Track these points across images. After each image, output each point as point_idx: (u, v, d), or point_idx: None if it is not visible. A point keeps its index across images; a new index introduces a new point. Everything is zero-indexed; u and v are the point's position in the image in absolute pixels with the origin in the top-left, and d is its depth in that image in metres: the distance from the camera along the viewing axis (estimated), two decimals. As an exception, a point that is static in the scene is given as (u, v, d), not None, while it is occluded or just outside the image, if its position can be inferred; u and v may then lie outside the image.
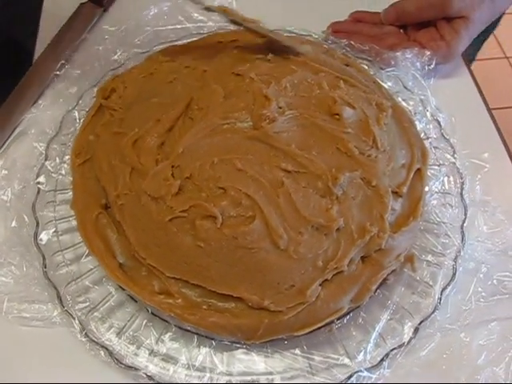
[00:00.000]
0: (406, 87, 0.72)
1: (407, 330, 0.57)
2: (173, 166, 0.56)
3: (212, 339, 0.56)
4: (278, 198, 0.54)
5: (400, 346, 0.56)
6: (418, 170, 0.61)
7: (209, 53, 0.67)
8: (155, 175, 0.56)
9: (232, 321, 0.53)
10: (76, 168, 0.61)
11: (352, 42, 0.75)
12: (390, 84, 0.72)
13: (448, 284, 0.59)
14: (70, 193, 0.64)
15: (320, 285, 0.54)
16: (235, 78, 0.62)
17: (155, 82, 0.65)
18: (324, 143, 0.58)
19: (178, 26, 0.77)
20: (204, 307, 0.53)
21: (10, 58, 0.79)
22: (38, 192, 0.64)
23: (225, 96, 0.60)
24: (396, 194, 0.58)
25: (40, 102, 0.73)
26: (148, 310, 0.57)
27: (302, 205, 0.54)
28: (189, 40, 0.74)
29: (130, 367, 0.54)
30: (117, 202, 0.57)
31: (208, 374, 0.55)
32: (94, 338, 0.56)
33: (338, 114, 0.59)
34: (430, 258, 0.61)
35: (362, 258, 0.56)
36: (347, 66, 0.68)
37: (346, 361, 0.55)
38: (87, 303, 0.58)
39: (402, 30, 0.78)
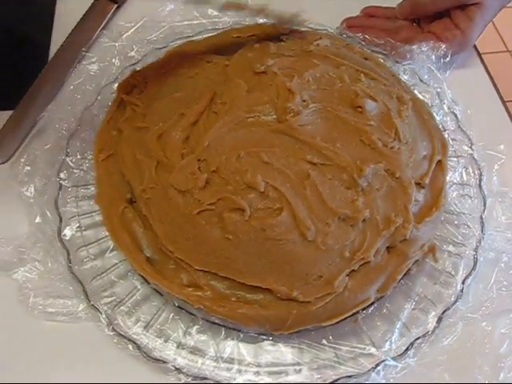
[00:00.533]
0: (421, 80, 0.72)
1: (431, 320, 0.57)
2: (199, 160, 0.56)
3: (239, 331, 0.57)
4: (304, 190, 0.54)
5: (424, 335, 0.56)
6: (439, 161, 0.61)
7: (229, 47, 0.67)
8: (181, 169, 0.56)
9: (261, 312, 0.53)
10: (99, 163, 0.61)
11: (367, 36, 0.75)
12: (406, 77, 0.72)
13: (469, 274, 0.60)
14: (93, 188, 0.64)
15: (347, 275, 0.54)
16: (257, 72, 0.62)
17: (176, 77, 0.65)
18: (348, 136, 0.58)
19: (194, 22, 0.77)
20: (233, 299, 0.54)
21: (26, 55, 0.78)
22: (60, 188, 0.64)
23: (248, 90, 0.61)
24: (419, 185, 0.59)
25: (58, 98, 0.72)
26: (174, 304, 0.57)
27: (329, 196, 0.55)
28: (205, 35, 0.74)
29: (158, 360, 0.55)
30: (143, 196, 0.57)
31: (236, 366, 0.55)
32: (121, 332, 0.56)
33: (360, 107, 0.60)
34: (451, 248, 0.62)
35: (388, 248, 0.56)
36: (366, 59, 0.69)
37: (373, 350, 0.56)
38: (113, 297, 0.58)
39: (415, 24, 0.79)
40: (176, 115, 0.60)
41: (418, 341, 0.57)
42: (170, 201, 0.56)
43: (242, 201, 0.54)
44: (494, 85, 0.77)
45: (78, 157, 0.66)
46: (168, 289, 0.54)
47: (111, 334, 0.56)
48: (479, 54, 0.80)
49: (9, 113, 0.73)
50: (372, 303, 0.57)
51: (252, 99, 0.60)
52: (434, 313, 0.58)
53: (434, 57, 0.73)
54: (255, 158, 0.56)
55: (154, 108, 0.62)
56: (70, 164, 0.66)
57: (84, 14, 0.80)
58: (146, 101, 0.64)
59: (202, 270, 0.54)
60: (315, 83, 0.61)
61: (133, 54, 0.75)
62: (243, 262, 0.53)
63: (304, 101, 0.59)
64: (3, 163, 0.69)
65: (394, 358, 0.55)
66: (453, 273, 0.60)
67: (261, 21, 0.76)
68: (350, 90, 0.61)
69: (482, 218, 0.63)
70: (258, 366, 0.55)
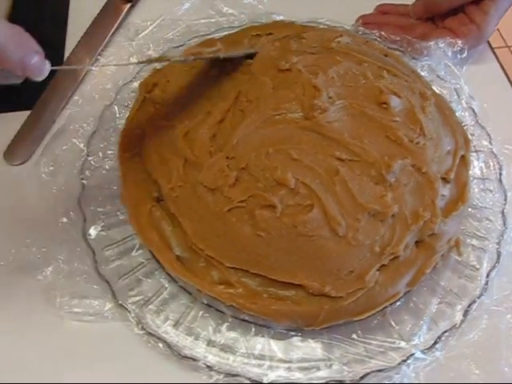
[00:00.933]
0: (439, 76, 0.73)
1: (457, 313, 0.58)
2: (227, 158, 0.57)
3: (268, 328, 0.57)
4: (334, 186, 0.55)
5: (451, 329, 0.57)
6: (462, 156, 0.62)
7: (249, 45, 0.67)
8: (211, 167, 0.56)
9: (293, 308, 0.53)
10: (124, 162, 0.61)
11: (383, 33, 0.76)
12: (423, 73, 0.73)
13: (493, 267, 0.61)
14: (116, 187, 0.64)
15: (377, 270, 0.55)
16: (282, 70, 0.62)
17: (199, 75, 0.65)
18: (374, 132, 0.59)
19: (211, 20, 0.77)
20: (264, 296, 0.54)
21: (40, 54, 0.78)
22: (83, 188, 0.64)
23: (273, 87, 0.61)
24: (444, 180, 0.59)
25: (76, 97, 0.72)
26: (203, 301, 0.58)
27: (358, 192, 0.55)
28: (222, 34, 0.74)
29: (189, 358, 0.55)
30: (171, 194, 0.57)
31: (267, 362, 0.55)
32: (150, 331, 0.56)
33: (385, 103, 0.60)
34: (474, 242, 0.62)
35: (416, 242, 0.57)
36: (386, 56, 0.69)
37: (402, 344, 0.56)
38: (140, 296, 0.58)
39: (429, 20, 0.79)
40: (202, 113, 0.60)
41: (445, 334, 0.57)
42: (199, 199, 0.56)
43: (273, 197, 0.54)
44: (509, 79, 0.78)
45: (100, 156, 0.66)
46: (199, 287, 0.54)
47: (140, 332, 0.56)
48: (492, 49, 0.81)
49: (26, 113, 0.72)
50: (400, 297, 0.57)
51: (278, 97, 0.60)
52: (459, 306, 0.58)
53: (450, 53, 0.73)
54: (284, 154, 0.56)
55: (177, 106, 0.62)
56: (92, 163, 0.65)
57: (98, 14, 0.80)
58: (168, 99, 0.64)
59: (233, 268, 0.54)
60: (340, 80, 0.62)
61: (150, 52, 0.75)
62: (275, 258, 0.53)
63: (330, 98, 0.59)
64: (22, 163, 0.69)
65: (422, 352, 0.56)
66: (477, 266, 0.61)
67: (278, 18, 0.76)
68: (374, 86, 0.62)
69: (503, 212, 0.64)
70: (290, 361, 0.56)
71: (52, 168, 0.65)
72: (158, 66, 0.70)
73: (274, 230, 0.54)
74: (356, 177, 0.56)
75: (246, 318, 0.57)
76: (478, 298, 0.59)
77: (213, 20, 0.78)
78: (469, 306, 0.58)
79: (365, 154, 0.57)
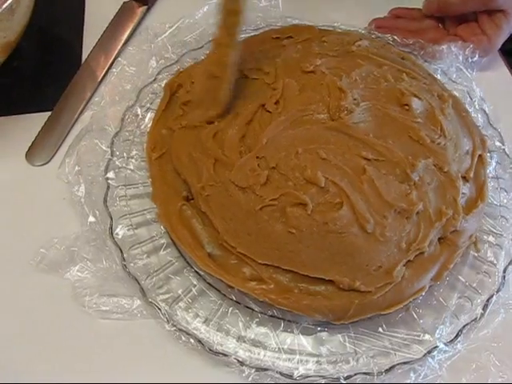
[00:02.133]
0: (451, 79, 0.75)
1: (477, 307, 0.60)
2: (257, 157, 0.58)
3: (297, 323, 0.58)
4: (362, 185, 0.57)
5: (472, 322, 0.59)
6: (479, 156, 0.64)
7: (269, 48, 0.69)
8: (241, 166, 0.58)
9: (324, 303, 0.55)
10: (153, 162, 0.62)
11: (396, 37, 0.78)
12: (436, 76, 0.75)
13: (510, 263, 0.63)
14: (141, 187, 0.65)
15: (404, 265, 0.56)
16: (306, 71, 0.64)
17: (224, 77, 0.66)
18: (397, 132, 0.61)
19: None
20: (296, 291, 0.55)
21: (59, 56, 0.79)
22: (108, 187, 0.64)
23: (299, 89, 0.62)
24: (464, 178, 0.62)
25: (97, 99, 0.73)
26: (232, 298, 0.59)
27: (385, 190, 0.57)
28: (240, 37, 0.75)
29: (220, 354, 0.56)
30: (202, 193, 0.58)
31: (297, 356, 0.57)
32: (181, 327, 0.57)
33: (407, 105, 0.62)
34: (490, 238, 0.64)
35: (439, 239, 0.59)
36: (403, 59, 0.71)
37: (427, 337, 0.58)
38: (170, 294, 0.59)
39: (440, 25, 0.81)
40: (231, 114, 0.61)
41: (467, 327, 0.59)
42: (230, 197, 0.57)
43: (303, 196, 0.55)
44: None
45: (124, 156, 0.67)
46: (232, 283, 0.55)
47: (171, 329, 0.57)
48: (501, 53, 0.83)
49: (46, 114, 0.73)
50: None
51: (305, 98, 0.61)
52: (479, 300, 0.60)
53: (461, 56, 0.75)
54: (313, 154, 0.58)
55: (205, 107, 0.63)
56: (117, 163, 0.66)
57: (114, 16, 0.81)
58: (195, 100, 0.65)
59: (265, 264, 0.56)
60: (362, 82, 0.64)
61: (169, 55, 0.76)
62: (306, 254, 0.55)
63: (355, 99, 0.61)
64: (44, 164, 0.70)
65: (445, 344, 0.57)
66: (494, 262, 0.63)
67: (293, 22, 0.78)
68: (396, 88, 0.64)
69: (517, 209, 0.66)
70: (319, 355, 0.57)
71: (78, 168, 0.65)
72: (179, 67, 0.71)
73: (305, 227, 0.55)
74: (382, 176, 0.58)
75: (275, 313, 0.58)
76: (496, 292, 0.61)
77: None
78: (487, 300, 0.60)
79: (389, 153, 0.59)
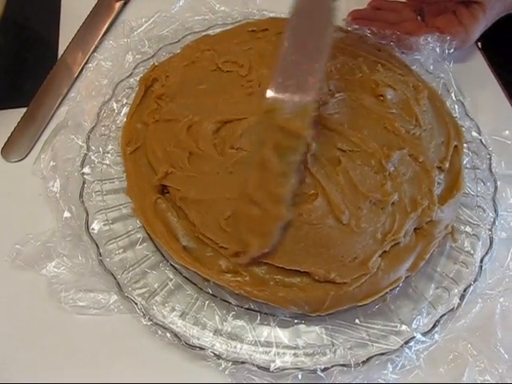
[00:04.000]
0: (427, 70, 0.75)
1: (454, 297, 0.60)
2: (233, 148, 0.58)
3: (273, 316, 0.58)
4: (337, 176, 0.56)
5: (449, 312, 0.59)
6: (455, 146, 0.64)
7: (245, 41, 0.69)
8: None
9: (300, 295, 0.55)
10: (127, 156, 0.62)
11: (373, 29, 0.78)
12: (413, 68, 0.75)
13: (486, 253, 0.63)
14: (117, 182, 0.65)
15: (379, 256, 0.56)
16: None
17: (199, 70, 0.66)
18: (372, 123, 0.61)
19: (206, 17, 0.78)
20: (271, 283, 0.55)
21: (35, 52, 0.78)
22: (84, 183, 0.64)
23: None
24: (439, 169, 0.62)
25: (72, 94, 0.73)
26: (209, 291, 0.58)
27: (360, 181, 0.57)
28: (216, 30, 0.76)
29: (196, 347, 0.56)
30: (176, 186, 0.58)
31: (274, 349, 0.57)
32: (158, 322, 0.57)
33: (381, 96, 0.62)
34: (467, 229, 0.65)
35: (415, 229, 0.59)
36: (379, 50, 0.71)
37: (404, 327, 0.58)
38: (146, 288, 0.59)
39: (419, 18, 0.82)
40: (206, 108, 0.61)
41: (444, 317, 0.59)
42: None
43: (279, 187, 0.55)
44: (494, 73, 0.81)
45: (100, 151, 0.67)
46: (208, 276, 0.55)
47: (148, 324, 0.57)
48: (477, 44, 0.84)
49: (22, 110, 0.72)
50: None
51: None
52: (456, 290, 0.60)
53: (438, 48, 0.76)
54: None
55: (179, 100, 0.63)
56: (93, 158, 0.66)
57: (91, 11, 0.81)
58: (169, 94, 0.65)
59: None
60: (337, 73, 0.64)
61: (145, 49, 0.75)
62: (281, 246, 0.55)
63: (330, 90, 0.61)
64: (20, 160, 0.69)
65: (422, 334, 0.57)
66: (471, 252, 0.63)
67: (270, 15, 0.78)
68: (371, 79, 0.64)
69: (494, 200, 0.66)
70: (295, 348, 0.57)
71: (53, 164, 0.65)
72: (156, 61, 0.70)
73: (279, 219, 0.55)
74: (357, 167, 0.58)
75: (252, 306, 0.58)
76: (474, 282, 0.61)
77: (206, 17, 0.79)
78: (464, 291, 0.60)
79: (364, 144, 0.59)
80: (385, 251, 0.57)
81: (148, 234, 0.60)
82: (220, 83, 0.64)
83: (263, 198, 0.53)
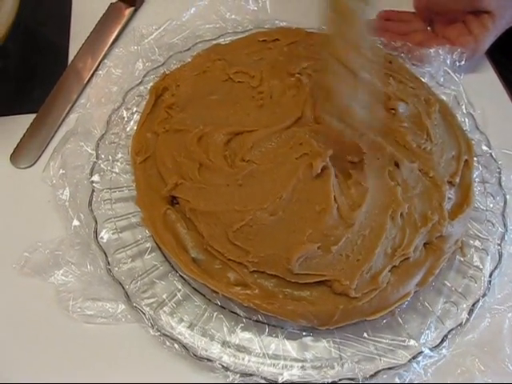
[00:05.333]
0: (438, 83, 0.75)
1: (462, 312, 0.60)
2: (243, 160, 0.58)
3: (282, 328, 0.58)
4: (349, 190, 0.56)
5: (457, 327, 0.59)
6: (466, 160, 0.64)
7: (256, 51, 0.69)
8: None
9: (309, 308, 0.55)
10: (137, 166, 0.62)
11: (383, 40, 0.77)
12: (424, 80, 0.75)
13: (495, 267, 0.63)
14: (126, 191, 0.65)
15: (389, 271, 0.56)
16: (292, 73, 0.64)
17: (210, 80, 0.66)
18: (383, 137, 0.60)
19: (216, 25, 0.78)
20: (280, 296, 0.55)
21: (45, 58, 0.78)
22: (93, 191, 0.64)
23: (285, 92, 0.62)
24: (450, 183, 0.62)
25: (82, 101, 0.73)
26: (217, 303, 0.58)
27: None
28: (227, 39, 0.76)
29: (204, 359, 0.56)
30: (186, 198, 0.58)
31: (282, 362, 0.57)
32: (166, 332, 0.56)
33: (393, 109, 0.62)
34: (477, 243, 0.64)
35: (425, 244, 0.59)
36: (390, 63, 0.71)
37: (412, 342, 0.58)
38: (154, 298, 0.59)
39: (429, 28, 0.81)
40: (216, 119, 0.60)
41: (452, 332, 0.59)
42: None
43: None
44: (505, 86, 0.81)
45: (110, 159, 0.67)
46: (216, 288, 0.55)
47: (156, 334, 0.57)
48: (490, 57, 0.83)
49: (31, 116, 0.72)
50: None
51: (291, 101, 0.61)
52: (464, 305, 0.60)
53: (449, 60, 0.75)
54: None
55: (190, 110, 0.63)
56: (102, 166, 0.66)
57: (101, 18, 0.80)
58: (179, 103, 0.64)
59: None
60: (349, 86, 0.63)
61: (156, 57, 0.75)
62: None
63: (340, 102, 0.61)
64: (29, 167, 0.69)
65: (430, 349, 0.57)
66: (480, 267, 0.63)
67: (281, 24, 0.78)
68: (383, 92, 0.63)
69: (503, 214, 0.66)
70: (303, 361, 0.57)
71: (62, 171, 0.65)
72: (166, 69, 0.70)
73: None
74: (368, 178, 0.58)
75: (260, 318, 0.58)
76: (482, 297, 0.61)
77: (217, 25, 0.79)
78: (473, 305, 0.60)
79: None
80: (394, 266, 0.57)
81: (157, 243, 0.60)
82: (231, 94, 0.64)
83: None
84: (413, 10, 0.83)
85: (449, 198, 0.61)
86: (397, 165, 0.59)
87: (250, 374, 0.55)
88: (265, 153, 0.59)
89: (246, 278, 0.55)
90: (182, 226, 0.58)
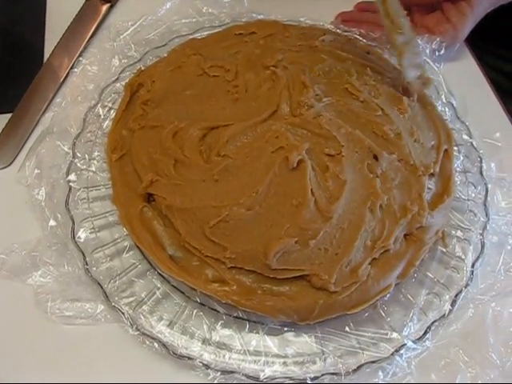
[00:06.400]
0: (418, 73, 0.74)
1: (445, 303, 0.59)
2: (219, 155, 0.57)
3: (263, 324, 0.57)
4: (326, 182, 0.56)
5: (440, 318, 0.58)
6: (445, 150, 0.64)
7: (232, 44, 0.68)
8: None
9: (288, 303, 0.54)
10: (113, 163, 0.61)
11: (362, 31, 0.77)
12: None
13: (478, 257, 0.62)
14: (103, 189, 0.64)
15: (369, 264, 0.56)
16: (267, 65, 0.63)
17: (185, 75, 0.65)
18: (361, 127, 0.60)
19: (193, 20, 0.77)
20: (259, 292, 0.55)
21: (20, 57, 0.77)
22: (70, 190, 0.63)
23: (261, 85, 0.62)
24: (430, 173, 0.61)
25: (58, 99, 0.72)
26: (197, 300, 0.58)
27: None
28: (204, 33, 0.75)
29: (184, 357, 0.55)
30: (163, 195, 0.57)
31: (263, 358, 0.56)
32: (145, 331, 0.56)
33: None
34: (458, 233, 0.64)
35: (405, 235, 0.58)
36: (368, 53, 0.70)
37: (395, 335, 0.57)
38: (133, 297, 0.58)
39: (408, 17, 0.81)
40: (192, 114, 0.60)
41: (435, 324, 0.58)
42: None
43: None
44: (485, 75, 0.80)
45: (86, 158, 0.66)
46: (194, 285, 0.54)
47: (135, 333, 0.56)
48: (469, 46, 0.83)
49: (7, 116, 0.71)
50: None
51: (266, 94, 0.60)
52: (447, 296, 0.60)
53: (428, 50, 0.75)
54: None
55: (165, 106, 0.62)
56: (78, 165, 0.65)
57: (77, 14, 0.80)
58: (155, 99, 0.64)
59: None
60: (325, 77, 0.63)
61: (132, 53, 0.74)
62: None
63: (317, 95, 0.60)
64: (5, 167, 0.68)
65: (413, 341, 0.57)
66: (462, 257, 0.62)
67: (258, 17, 0.77)
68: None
69: (485, 203, 0.65)
70: (285, 356, 0.56)
71: (38, 171, 0.64)
72: (142, 66, 0.70)
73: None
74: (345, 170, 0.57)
75: (240, 315, 0.57)
76: (465, 287, 0.60)
77: (194, 20, 0.78)
78: (456, 296, 0.60)
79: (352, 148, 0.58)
80: (374, 258, 0.56)
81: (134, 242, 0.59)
82: (206, 88, 0.63)
83: None
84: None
85: (428, 189, 0.60)
86: (375, 157, 0.58)
87: (231, 372, 0.55)
88: (240, 147, 0.58)
89: (223, 274, 0.55)
90: (158, 223, 0.58)
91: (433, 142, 0.63)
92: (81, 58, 0.75)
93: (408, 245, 0.58)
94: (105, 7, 0.80)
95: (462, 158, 0.69)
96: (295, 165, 0.55)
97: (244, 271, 0.55)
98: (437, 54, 0.75)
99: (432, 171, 0.61)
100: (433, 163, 0.61)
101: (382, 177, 0.58)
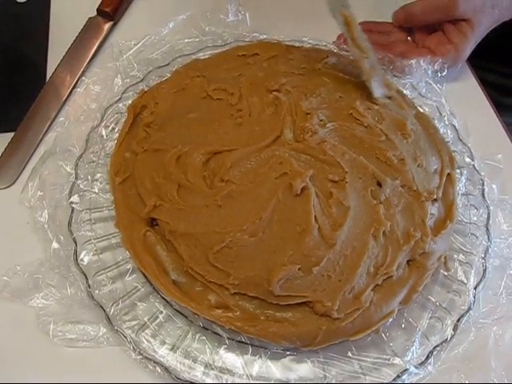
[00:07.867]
0: (420, 94, 0.75)
1: (448, 327, 0.59)
2: (222, 180, 0.57)
3: (265, 348, 0.57)
4: (330, 209, 0.56)
5: (442, 343, 0.58)
6: (448, 174, 0.64)
7: (235, 66, 0.68)
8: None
9: (291, 330, 0.54)
10: (117, 187, 0.61)
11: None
12: (405, 92, 0.74)
13: (480, 281, 0.62)
14: (106, 211, 0.64)
15: (372, 290, 0.56)
16: (271, 89, 0.63)
17: (188, 98, 0.65)
18: (364, 153, 0.60)
19: (196, 39, 0.77)
20: (262, 318, 0.55)
21: (23, 75, 0.77)
22: (72, 211, 0.63)
23: (264, 109, 0.62)
24: (433, 199, 0.61)
25: (61, 119, 0.72)
26: (200, 324, 0.58)
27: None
28: (206, 53, 0.75)
29: (187, 381, 0.55)
30: (166, 220, 0.57)
31: (266, 383, 0.56)
32: (147, 355, 0.56)
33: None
34: (460, 257, 0.64)
35: (408, 261, 0.58)
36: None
37: (397, 360, 0.57)
38: (136, 321, 0.58)
39: (409, 38, 0.81)
40: (195, 138, 0.60)
41: (437, 348, 0.58)
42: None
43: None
44: (486, 95, 0.80)
45: (89, 179, 0.66)
46: (197, 311, 0.54)
47: (138, 357, 0.56)
48: (471, 67, 0.83)
49: (9, 135, 0.71)
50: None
51: (270, 119, 0.61)
52: (449, 321, 0.60)
53: (431, 71, 0.75)
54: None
55: (168, 129, 0.62)
56: (81, 187, 0.65)
57: (79, 33, 0.79)
58: (158, 122, 0.64)
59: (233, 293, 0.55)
60: (328, 102, 0.63)
61: (135, 72, 0.74)
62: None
63: (321, 120, 0.60)
64: (8, 187, 0.68)
65: (415, 366, 0.57)
66: (464, 281, 0.62)
67: (261, 37, 0.77)
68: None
69: (487, 227, 0.65)
70: (288, 381, 0.56)
71: (40, 193, 0.64)
72: (145, 85, 0.70)
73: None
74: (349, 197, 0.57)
75: (243, 339, 0.57)
76: (467, 311, 0.60)
77: (197, 39, 0.78)
78: (458, 320, 0.60)
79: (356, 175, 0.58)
80: (377, 285, 0.56)
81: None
82: (210, 112, 0.63)
83: None
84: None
85: (431, 214, 0.60)
86: (379, 184, 0.58)
87: (234, 397, 0.54)
88: (244, 172, 0.58)
89: (227, 300, 0.55)
90: (161, 248, 0.58)
91: (436, 166, 0.63)
92: (83, 78, 0.75)
93: (411, 271, 0.58)
94: (107, 25, 0.80)
95: (464, 181, 0.69)
96: (299, 191, 0.55)
97: (247, 297, 0.55)
98: (439, 75, 0.75)
99: (435, 196, 0.61)
100: (436, 188, 0.61)
101: (386, 203, 0.58)
